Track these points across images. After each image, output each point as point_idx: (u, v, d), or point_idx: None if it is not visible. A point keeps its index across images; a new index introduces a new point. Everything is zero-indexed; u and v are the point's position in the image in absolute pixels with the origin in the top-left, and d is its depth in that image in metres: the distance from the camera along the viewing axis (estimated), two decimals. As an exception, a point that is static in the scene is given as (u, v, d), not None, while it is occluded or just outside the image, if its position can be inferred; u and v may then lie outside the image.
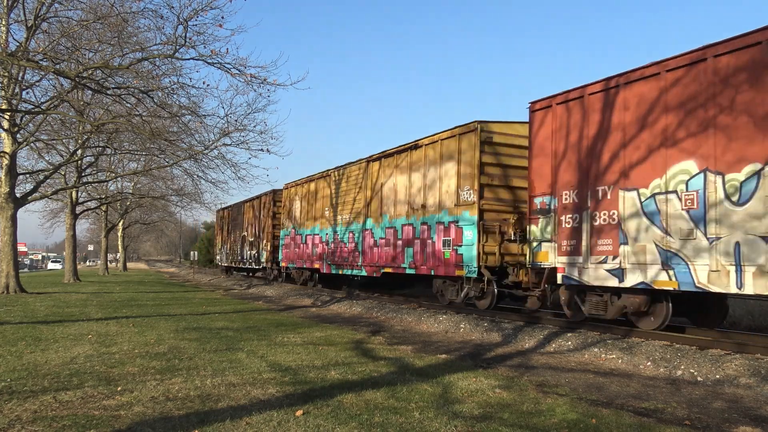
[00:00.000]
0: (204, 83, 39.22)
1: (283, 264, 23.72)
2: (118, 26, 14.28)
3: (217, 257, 38.39)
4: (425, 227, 13.80)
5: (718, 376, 6.97)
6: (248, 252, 28.96)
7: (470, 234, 12.20)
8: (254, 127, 25.17)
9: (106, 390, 5.66)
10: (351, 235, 17.53)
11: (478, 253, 11.94)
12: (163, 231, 79.19)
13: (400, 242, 14.79)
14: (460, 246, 12.45)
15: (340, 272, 18.39)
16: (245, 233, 29.73)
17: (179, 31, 13.06)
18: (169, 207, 44.43)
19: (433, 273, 13.52)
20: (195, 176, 23.76)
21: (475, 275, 12.03)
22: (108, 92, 14.85)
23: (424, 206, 13.84)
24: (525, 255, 11.34)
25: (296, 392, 5.72)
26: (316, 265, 19.91)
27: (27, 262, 75.46)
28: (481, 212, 12.09)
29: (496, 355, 8.70)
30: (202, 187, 29.21)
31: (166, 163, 23.74)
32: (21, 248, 58.91)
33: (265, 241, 26.04)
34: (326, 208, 19.49)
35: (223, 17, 21.88)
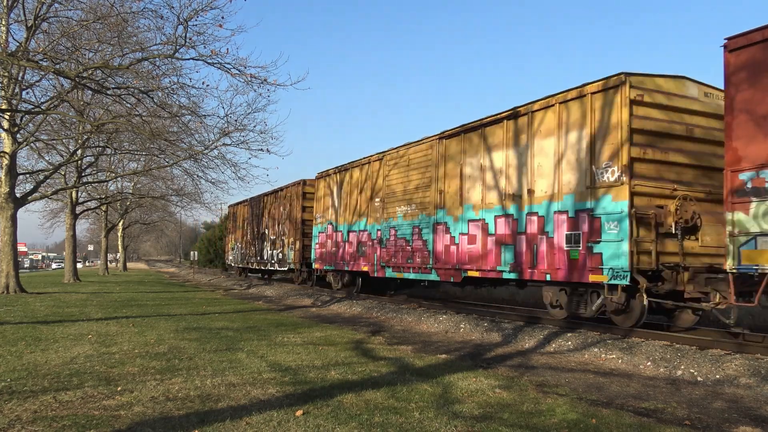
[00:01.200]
0: (204, 83, 39.28)
1: (316, 266, 20.11)
2: (118, 26, 14.29)
3: (229, 257, 34.48)
4: (533, 218, 10.69)
5: (718, 376, 6.97)
6: (270, 252, 25.59)
7: (614, 226, 9.14)
8: (254, 127, 25.17)
9: (106, 390, 5.66)
10: (416, 231, 14.21)
11: (630, 252, 8.85)
12: (163, 231, 79.18)
13: (491, 239, 11.68)
14: (598, 242, 9.38)
15: (399, 276, 14.98)
16: (266, 230, 26.31)
17: (179, 31, 13.07)
18: (169, 207, 44.42)
19: (548, 278, 10.34)
20: (195, 176, 23.81)
21: (625, 282, 8.95)
22: (108, 92, 14.85)
23: (531, 192, 10.77)
24: (681, 254, 9.05)
25: (296, 392, 5.72)
26: (363, 268, 16.58)
27: (27, 262, 75.34)
28: (632, 196, 8.99)
29: (496, 355, 8.70)
30: (202, 187, 29.25)
31: (166, 163, 23.74)
32: (21, 248, 58.98)
33: (292, 239, 22.54)
34: (377, 200, 16.03)
35: (223, 17, 21.91)
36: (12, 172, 18.97)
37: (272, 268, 25.68)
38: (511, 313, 12.72)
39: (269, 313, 14.18)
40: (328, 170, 19.61)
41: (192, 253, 40.64)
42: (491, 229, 11.73)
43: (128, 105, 16.65)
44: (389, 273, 15.41)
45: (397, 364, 7.39)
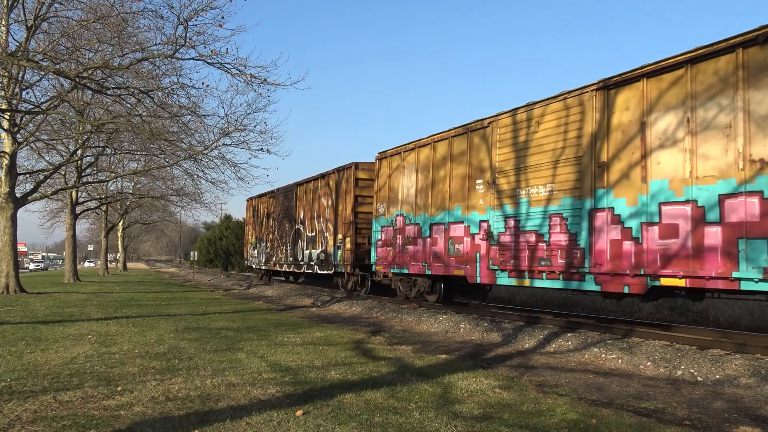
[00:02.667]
0: (204, 83, 39.30)
1: (378, 268, 15.87)
2: (118, 26, 14.29)
3: (251, 259, 29.58)
4: None
5: (718, 376, 6.97)
6: (308, 251, 21.18)
7: None
8: (254, 127, 25.26)
9: (106, 390, 5.66)
10: (556, 220, 10.30)
11: None
12: (163, 231, 79.29)
13: (714, 229, 7.85)
14: None
15: (523, 283, 11.07)
16: (300, 226, 22.08)
17: (179, 31, 13.09)
18: (169, 207, 44.43)
19: None
20: (195, 176, 23.82)
21: None
22: (108, 92, 14.86)
23: None
24: None
25: (296, 392, 5.72)
26: (457, 271, 12.70)
27: (36, 265, 74.60)
28: None
29: (496, 355, 8.70)
30: (202, 187, 29.32)
31: (166, 163, 23.75)
32: (21, 248, 58.95)
33: (340, 236, 18.34)
34: (483, 181, 12.10)
35: (223, 17, 21.97)
36: (12, 172, 18.98)
37: (310, 271, 21.08)
38: (511, 313, 12.71)
39: (269, 313, 14.18)
40: (395, 148, 15.52)
41: (192, 253, 40.64)
42: (713, 215, 7.83)
43: (128, 105, 16.67)
44: (503, 279, 11.44)
45: (397, 364, 7.39)
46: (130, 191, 39.05)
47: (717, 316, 12.32)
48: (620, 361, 8.10)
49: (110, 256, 68.51)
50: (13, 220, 19.02)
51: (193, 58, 13.84)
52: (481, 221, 12.10)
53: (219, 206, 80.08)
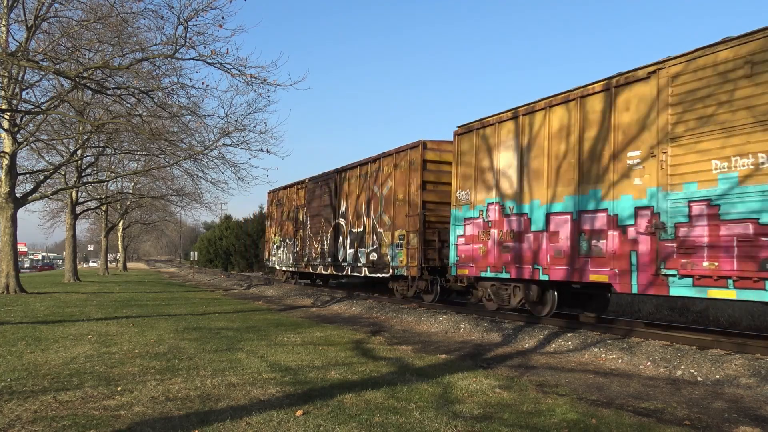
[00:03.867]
0: (204, 83, 39.33)
1: (461, 271, 12.61)
2: (118, 26, 14.30)
3: (272, 258, 26.35)
4: None
5: (718, 376, 6.97)
6: (352, 251, 17.98)
7: None
8: (254, 127, 25.24)
9: (106, 390, 5.66)
10: None
11: None
12: (163, 231, 79.28)
13: None
14: None
15: (729, 294, 7.74)
16: (342, 221, 18.77)
17: (179, 31, 13.09)
18: (169, 207, 44.44)
19: None
20: (195, 176, 23.83)
21: None
22: (108, 92, 14.87)
23: None
24: None
25: (296, 392, 5.72)
26: (595, 276, 9.45)
27: (26, 262, 74.92)
28: None
29: (496, 355, 8.70)
30: (202, 187, 29.29)
31: (166, 163, 23.77)
32: (21, 248, 59.00)
33: (402, 232, 15.13)
34: (636, 153, 8.97)
35: (223, 17, 21.95)
36: (12, 172, 18.98)
37: (356, 274, 17.85)
38: (511, 313, 12.71)
39: (269, 313, 14.18)
40: (483, 119, 12.27)
41: (192, 253, 40.65)
42: None
43: (128, 105, 16.68)
44: (684, 289, 8.20)
45: (397, 364, 7.39)
46: (130, 191, 39.06)
47: (717, 316, 12.32)
48: (620, 361, 8.10)
49: (110, 256, 68.52)
50: (13, 220, 19.02)
51: (193, 58, 13.86)
52: (638, 208, 8.87)
53: (219, 206, 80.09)
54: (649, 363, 7.79)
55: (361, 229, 17.44)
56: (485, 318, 11.99)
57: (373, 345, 9.17)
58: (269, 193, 26.95)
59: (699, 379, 7.06)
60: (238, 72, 13.43)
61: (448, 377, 6.63)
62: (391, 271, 15.61)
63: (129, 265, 70.14)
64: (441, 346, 9.33)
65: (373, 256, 16.61)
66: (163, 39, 14.20)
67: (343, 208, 18.81)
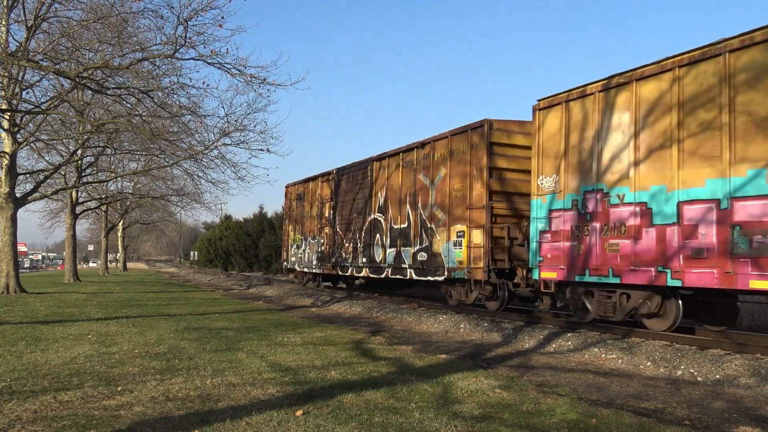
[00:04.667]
0: (204, 83, 39.32)
1: (547, 274, 10.46)
2: (118, 26, 14.30)
3: (291, 258, 23.44)
4: None
5: (718, 376, 6.97)
6: (392, 250, 15.64)
7: None
8: (254, 127, 25.25)
9: (106, 390, 5.66)
10: None
11: None
12: (163, 231, 79.33)
13: None
14: None
15: None
16: (380, 216, 16.37)
17: (179, 31, 13.09)
18: (169, 207, 44.46)
19: None
20: (195, 176, 23.84)
21: None
22: (108, 92, 14.87)
23: None
24: None
25: (296, 392, 5.72)
26: (757, 283, 7.44)
27: (27, 262, 75.03)
28: None
29: (496, 355, 8.70)
30: (202, 187, 29.25)
31: (166, 163, 23.77)
32: (21, 248, 59.01)
33: (459, 227, 13.03)
34: None
35: (223, 17, 21.97)
36: (12, 172, 18.98)
37: (399, 276, 15.25)
38: (511, 313, 12.70)
39: (269, 313, 14.19)
40: (582, 88, 10.04)
41: (192, 253, 40.66)
42: None
43: (128, 105, 16.68)
44: None
45: (397, 364, 7.39)
46: (130, 191, 39.06)
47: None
48: (620, 361, 8.10)
49: (110, 256, 68.54)
50: (13, 220, 19.02)
51: (193, 58, 13.86)
52: None
53: (219, 206, 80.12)
54: (649, 363, 7.79)
55: (405, 225, 15.03)
56: (485, 318, 11.99)
57: (373, 345, 9.17)
58: (287, 187, 24.14)
59: (699, 379, 7.06)
60: (238, 72, 13.44)
61: (448, 377, 6.63)
62: (446, 273, 13.21)
63: (129, 265, 70.14)
64: (441, 346, 9.33)
65: (422, 256, 14.19)
66: (163, 39, 14.21)
67: (381, 201, 16.31)
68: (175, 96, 15.18)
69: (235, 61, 14.33)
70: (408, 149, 15.18)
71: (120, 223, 48.00)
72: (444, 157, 13.69)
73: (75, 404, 5.15)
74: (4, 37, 16.37)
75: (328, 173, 19.86)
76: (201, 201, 31.96)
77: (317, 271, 20.54)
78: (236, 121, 16.71)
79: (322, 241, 20.10)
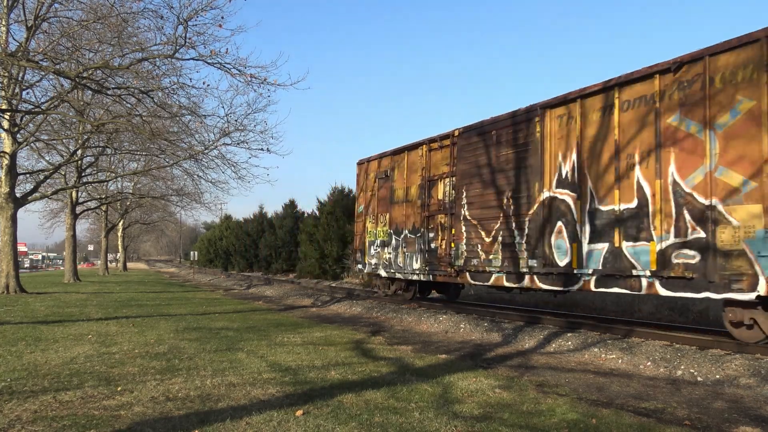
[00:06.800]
0: (204, 83, 39.30)
1: None
2: (118, 26, 14.31)
3: (370, 260, 16.91)
4: None
5: (718, 376, 6.97)
6: (607, 245, 9.43)
7: None
8: (254, 126, 25.24)
9: (106, 390, 5.66)
10: None
11: None
12: (163, 231, 79.40)
13: None
14: None
15: None
16: (561, 193, 10.44)
17: (179, 31, 13.11)
18: (169, 207, 44.49)
19: None
20: (195, 176, 23.87)
21: None
22: (108, 92, 14.88)
23: None
24: None
25: (296, 392, 5.72)
26: None
27: (27, 262, 75.00)
28: None
29: (496, 355, 8.70)
30: (202, 187, 29.27)
31: (166, 163, 23.78)
32: (21, 248, 59.06)
33: None
34: None
35: (223, 17, 21.99)
36: (12, 172, 18.99)
37: (617, 290, 9.25)
38: (511, 313, 12.71)
39: (269, 313, 14.18)
40: None
41: (192, 253, 40.68)
42: None
43: (128, 105, 16.69)
44: None
45: (397, 364, 7.39)
46: (130, 191, 39.07)
47: (717, 316, 12.31)
48: (620, 361, 8.10)
49: (110, 256, 68.55)
50: (13, 220, 19.03)
51: (193, 58, 13.88)
52: None
53: (219, 206, 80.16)
54: (649, 363, 7.79)
55: (633, 206, 9.15)
56: (485, 318, 11.99)
57: (373, 345, 9.17)
58: (361, 164, 17.63)
59: (699, 379, 7.06)
60: (238, 72, 13.47)
61: (448, 377, 6.63)
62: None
63: (129, 265, 70.14)
64: (441, 346, 9.33)
65: (686, 255, 8.33)
66: (163, 39, 14.23)
67: (566, 169, 10.37)
68: (175, 96, 15.22)
69: (235, 61, 14.39)
70: (636, 78, 9.20)
71: (120, 223, 48.02)
72: (743, 80, 7.83)
73: (75, 404, 5.15)
74: (4, 37, 16.38)
75: (445, 136, 13.79)
76: (201, 201, 32.01)
77: (419, 277, 14.46)
78: (236, 121, 16.76)
79: (430, 235, 14.09)
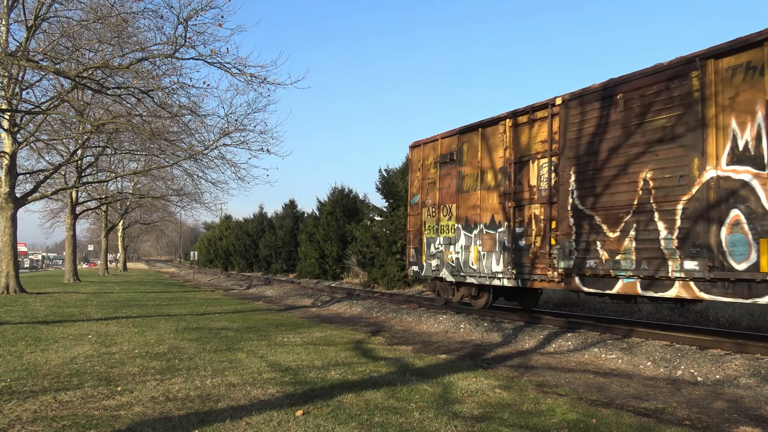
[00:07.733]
0: (204, 83, 39.30)
1: None
2: (118, 26, 14.30)
3: (430, 262, 14.09)
4: None
5: (718, 376, 6.97)
6: None
7: None
8: (254, 127, 25.25)
9: (106, 390, 5.66)
10: None
11: None
12: (163, 231, 79.35)
13: None
14: None
15: None
16: (736, 171, 7.66)
17: (179, 30, 13.10)
18: (169, 207, 44.49)
19: None
20: (195, 176, 23.84)
21: None
22: (108, 92, 14.86)
23: None
24: None
25: (296, 392, 5.72)
26: None
27: (27, 262, 75.05)
28: None
29: (496, 355, 8.70)
30: (202, 187, 29.32)
31: (166, 163, 23.78)
32: (21, 248, 59.06)
33: None
34: None
35: (222, 17, 21.96)
36: (12, 172, 18.98)
37: None
38: (511, 313, 12.70)
39: (269, 313, 14.18)
40: None
41: (192, 253, 40.68)
42: None
43: (128, 105, 16.68)
44: None
45: (397, 364, 7.39)
46: (130, 191, 39.07)
47: (717, 316, 12.31)
48: (620, 361, 8.10)
49: (110, 256, 68.56)
50: (13, 220, 19.02)
51: (193, 58, 13.86)
52: None
53: (219, 206, 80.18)
54: (649, 363, 7.79)
55: None
56: (485, 318, 11.99)
57: (373, 345, 9.17)
58: (415, 147, 14.90)
59: (699, 379, 7.06)
60: (238, 71, 13.44)
61: (448, 377, 6.63)
62: None
63: (129, 265, 70.15)
64: (441, 346, 9.33)
65: None
66: (163, 39, 14.23)
67: (747, 137, 7.65)
68: (175, 96, 15.20)
69: (235, 61, 14.38)
70: None
71: (120, 223, 48.01)
72: None
73: (75, 404, 5.15)
74: (4, 37, 16.37)
75: (538, 107, 11.05)
76: (201, 201, 32.01)
77: (502, 282, 11.84)
78: (236, 121, 16.73)
79: (518, 230, 11.45)
